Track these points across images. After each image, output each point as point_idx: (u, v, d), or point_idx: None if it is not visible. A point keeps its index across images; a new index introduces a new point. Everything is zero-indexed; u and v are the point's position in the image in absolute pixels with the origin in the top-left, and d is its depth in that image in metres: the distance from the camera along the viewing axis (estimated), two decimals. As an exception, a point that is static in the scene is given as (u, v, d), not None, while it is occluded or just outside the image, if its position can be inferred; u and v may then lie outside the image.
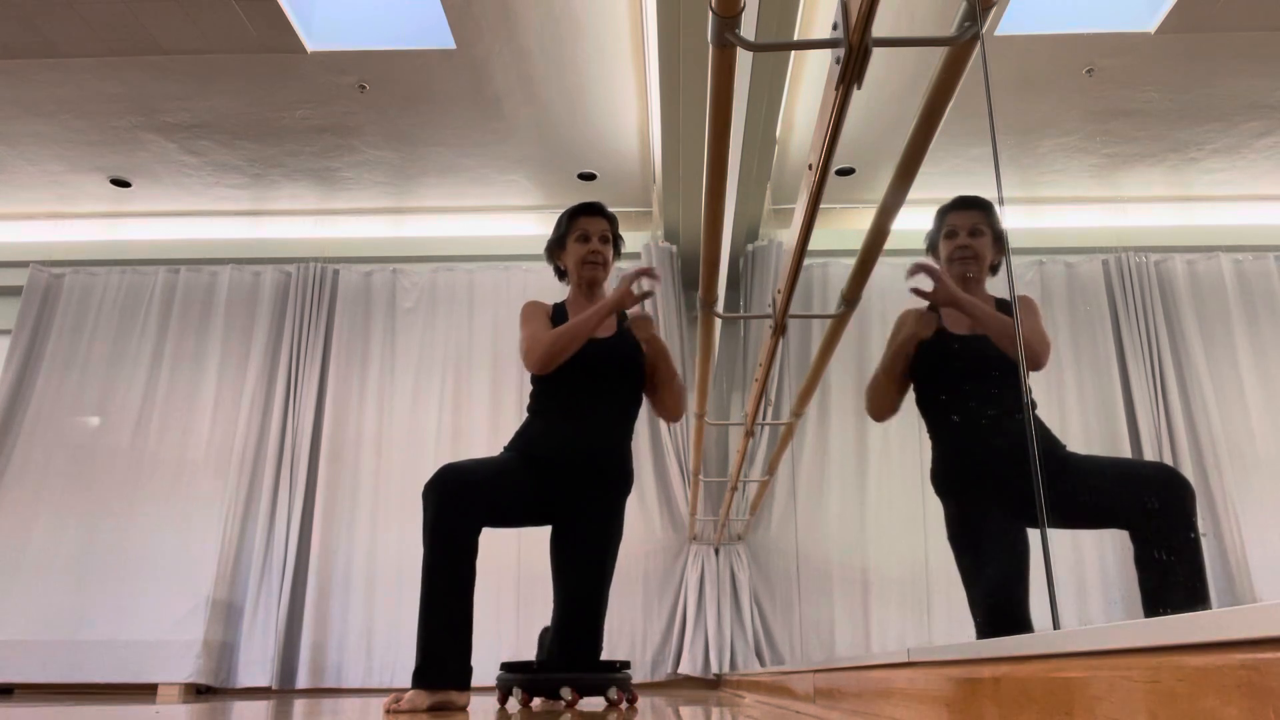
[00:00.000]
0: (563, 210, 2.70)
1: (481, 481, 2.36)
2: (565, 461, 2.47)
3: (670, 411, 2.67)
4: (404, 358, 5.83)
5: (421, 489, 2.39)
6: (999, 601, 2.19)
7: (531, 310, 2.59)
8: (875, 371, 2.49)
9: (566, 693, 2.39)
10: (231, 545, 5.40)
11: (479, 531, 2.35)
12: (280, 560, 5.35)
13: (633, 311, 2.62)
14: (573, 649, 2.44)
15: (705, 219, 1.84)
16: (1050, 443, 2.31)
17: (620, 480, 2.56)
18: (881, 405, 2.48)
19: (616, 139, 5.22)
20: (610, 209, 2.70)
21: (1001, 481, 2.22)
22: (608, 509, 2.53)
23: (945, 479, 2.39)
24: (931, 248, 2.50)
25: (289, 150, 5.38)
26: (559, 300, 2.69)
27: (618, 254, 2.68)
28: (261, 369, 5.80)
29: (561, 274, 2.71)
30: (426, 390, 5.74)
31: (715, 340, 4.09)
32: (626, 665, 2.53)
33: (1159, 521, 2.10)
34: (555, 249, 2.67)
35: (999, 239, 2.40)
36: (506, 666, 2.50)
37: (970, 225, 2.38)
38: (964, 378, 2.33)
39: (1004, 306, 2.42)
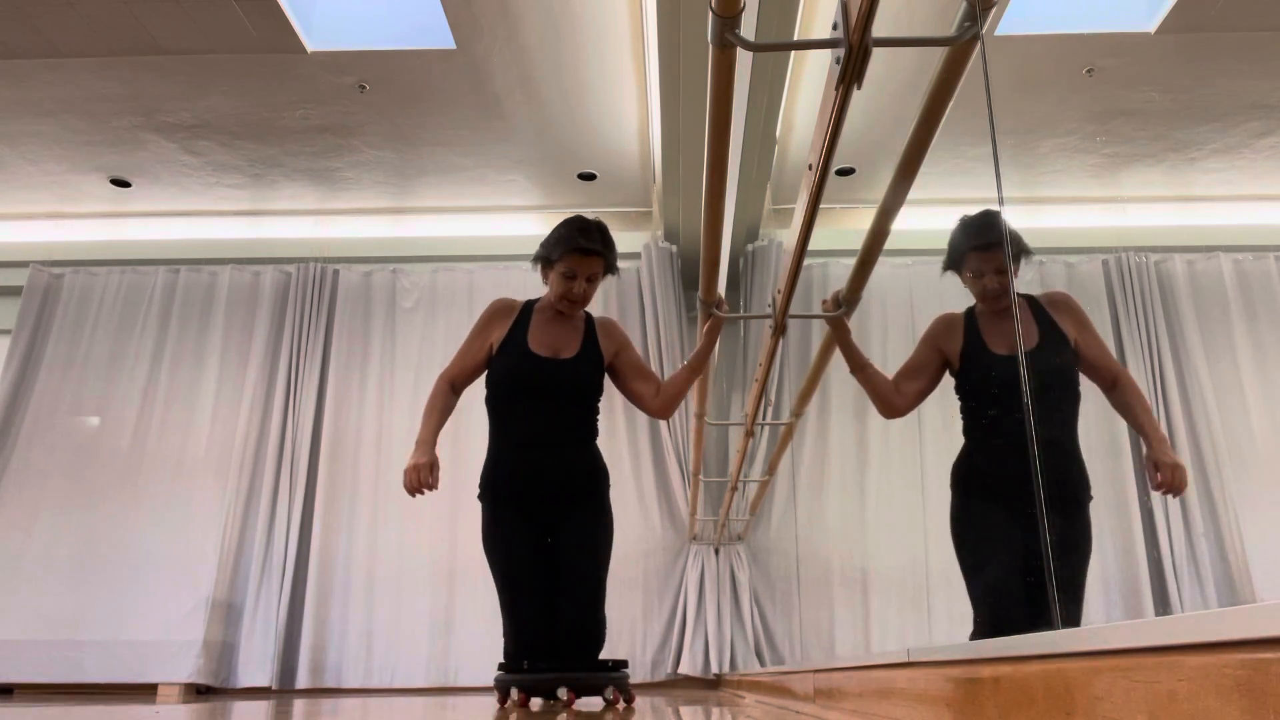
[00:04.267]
0: (558, 211, 2.68)
1: (498, 547, 2.51)
2: (538, 491, 2.50)
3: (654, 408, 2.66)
4: (404, 358, 5.83)
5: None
6: (999, 595, 2.21)
7: (483, 323, 2.63)
8: (896, 372, 2.47)
9: (562, 693, 2.39)
10: (231, 545, 5.40)
11: (531, 564, 2.48)
12: (280, 560, 5.34)
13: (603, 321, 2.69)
14: (571, 649, 2.44)
15: (705, 219, 1.84)
16: (1078, 481, 2.30)
17: (595, 482, 2.57)
18: (900, 402, 2.47)
19: (616, 139, 5.22)
20: (610, 209, 2.68)
21: (1014, 482, 2.23)
22: (595, 509, 2.55)
23: (966, 473, 2.39)
24: (953, 267, 2.42)
25: (289, 150, 5.37)
26: (534, 298, 2.69)
27: (611, 272, 2.62)
28: (261, 369, 5.80)
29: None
30: (426, 390, 5.70)
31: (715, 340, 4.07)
32: (623, 664, 2.53)
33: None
34: (543, 264, 2.60)
35: (1018, 254, 2.35)
36: (504, 666, 2.50)
37: (996, 265, 2.31)
38: (1006, 385, 2.32)
39: (1035, 303, 2.39)
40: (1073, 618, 2.20)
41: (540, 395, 2.52)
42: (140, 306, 6.00)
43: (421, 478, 2.44)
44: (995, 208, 2.40)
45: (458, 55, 4.50)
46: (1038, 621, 2.18)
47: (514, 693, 2.44)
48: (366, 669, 5.17)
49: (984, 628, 2.25)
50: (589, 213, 2.74)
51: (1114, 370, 2.34)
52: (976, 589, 2.29)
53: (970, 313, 2.45)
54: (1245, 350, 5.62)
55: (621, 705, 2.42)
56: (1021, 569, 2.22)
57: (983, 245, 2.31)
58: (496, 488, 2.54)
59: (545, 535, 2.52)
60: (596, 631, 2.48)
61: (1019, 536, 2.24)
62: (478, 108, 4.95)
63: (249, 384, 5.75)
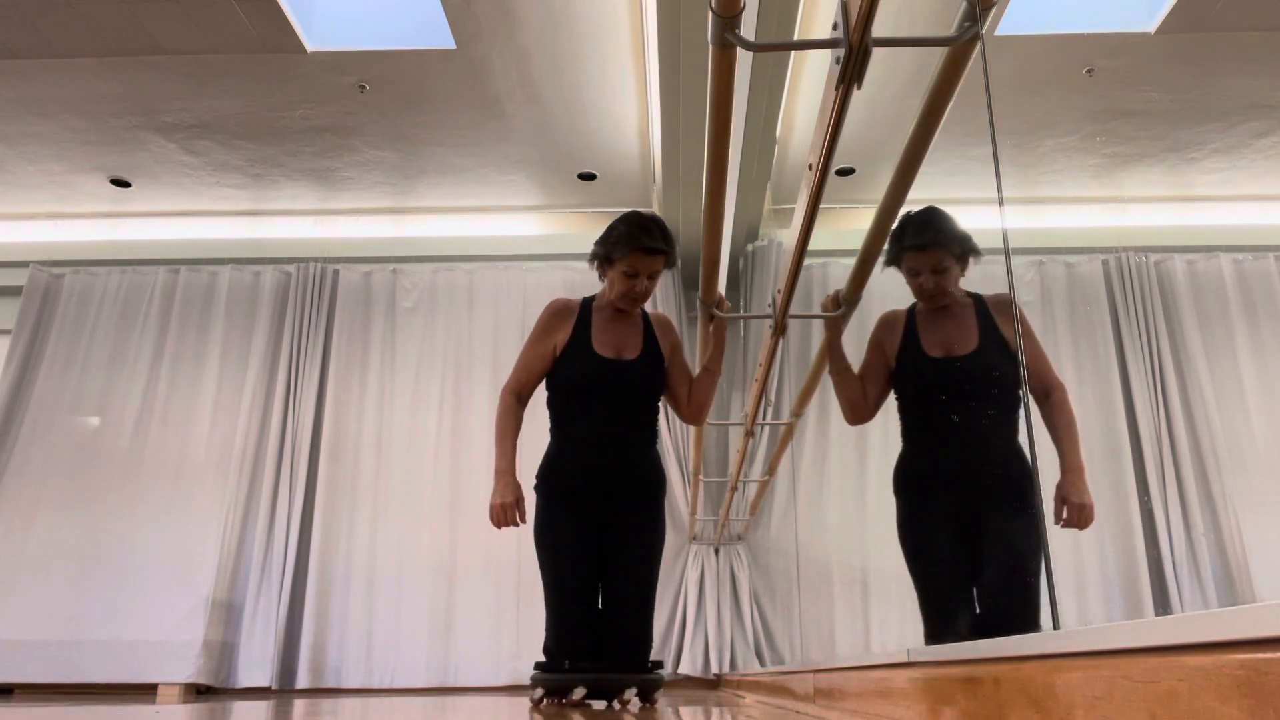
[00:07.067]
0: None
1: (549, 541, 2.48)
2: (598, 490, 2.48)
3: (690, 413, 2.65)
4: (404, 358, 5.83)
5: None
6: (946, 600, 2.20)
7: (544, 326, 2.56)
8: (854, 377, 2.47)
9: (630, 694, 2.38)
10: (231, 545, 5.40)
11: (582, 562, 2.46)
12: (280, 560, 5.34)
13: (658, 317, 2.65)
14: (620, 653, 2.42)
15: (705, 219, 1.85)
16: (1021, 470, 2.28)
17: (655, 488, 2.56)
18: (865, 409, 2.46)
19: (616, 139, 5.22)
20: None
21: (956, 485, 2.22)
22: (651, 513, 2.53)
23: (905, 478, 2.36)
24: (893, 264, 2.38)
25: (289, 150, 5.37)
26: (590, 295, 2.66)
27: (670, 266, 2.61)
28: (261, 369, 5.80)
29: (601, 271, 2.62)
30: (426, 390, 5.74)
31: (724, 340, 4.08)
32: (660, 665, 2.53)
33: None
34: (602, 262, 2.55)
35: (965, 254, 2.28)
36: (543, 665, 2.46)
37: (932, 265, 2.26)
38: (946, 385, 2.31)
39: (980, 303, 2.36)
40: (1031, 619, 2.16)
41: (606, 397, 2.49)
42: (140, 306, 6.01)
43: (508, 516, 2.43)
44: (938, 206, 2.34)
45: (458, 55, 4.50)
46: (989, 622, 2.16)
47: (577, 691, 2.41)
48: (366, 669, 5.17)
49: (935, 636, 2.23)
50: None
51: (1048, 383, 2.28)
52: (921, 593, 2.27)
53: (912, 311, 2.41)
54: (1245, 350, 5.63)
55: (617, 706, 2.41)
56: (963, 571, 2.20)
57: (916, 245, 2.25)
58: (554, 481, 2.50)
59: (599, 535, 2.50)
60: (645, 637, 2.47)
61: (959, 538, 2.22)
62: (478, 108, 4.95)
63: (249, 384, 5.75)
